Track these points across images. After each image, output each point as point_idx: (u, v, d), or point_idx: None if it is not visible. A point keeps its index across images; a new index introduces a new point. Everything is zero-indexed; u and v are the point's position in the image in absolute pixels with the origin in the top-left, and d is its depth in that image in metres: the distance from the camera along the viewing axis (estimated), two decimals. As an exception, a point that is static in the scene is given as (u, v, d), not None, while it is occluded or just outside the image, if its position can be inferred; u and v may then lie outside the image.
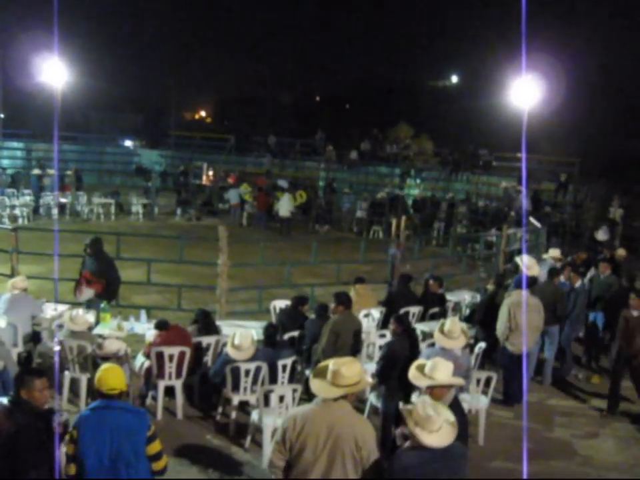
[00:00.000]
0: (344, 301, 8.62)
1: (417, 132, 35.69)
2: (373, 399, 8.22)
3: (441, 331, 7.33)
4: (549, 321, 9.95)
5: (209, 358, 8.89)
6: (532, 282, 10.22)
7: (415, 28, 44.69)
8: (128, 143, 41.92)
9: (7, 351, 6.69)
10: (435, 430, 4.51)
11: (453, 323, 7.37)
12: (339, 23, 46.02)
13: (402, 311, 10.14)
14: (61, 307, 10.42)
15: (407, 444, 4.66)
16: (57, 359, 8.11)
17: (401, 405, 4.88)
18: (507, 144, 28.51)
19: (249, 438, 7.74)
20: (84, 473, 4.74)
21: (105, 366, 4.99)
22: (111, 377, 4.85)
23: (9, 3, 38.96)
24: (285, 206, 23.32)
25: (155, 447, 4.85)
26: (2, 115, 35.02)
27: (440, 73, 49.26)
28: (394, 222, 13.80)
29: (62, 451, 5.00)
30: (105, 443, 4.69)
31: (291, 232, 23.09)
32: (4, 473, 4.77)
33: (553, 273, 10.75)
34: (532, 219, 18.99)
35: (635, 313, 9.06)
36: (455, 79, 50.05)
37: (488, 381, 8.23)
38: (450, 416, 4.68)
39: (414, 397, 5.25)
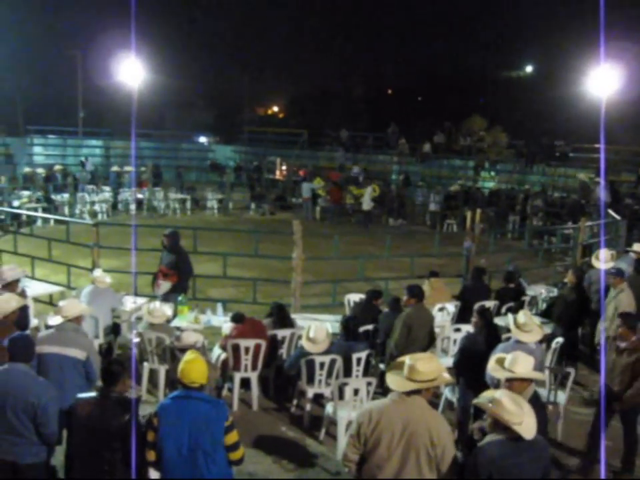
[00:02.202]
0: (416, 293, 8.57)
1: (490, 123, 35.04)
2: (448, 393, 8.17)
3: (516, 324, 7.23)
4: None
5: (284, 350, 8.99)
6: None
7: (487, 16, 43.78)
8: (202, 139, 42.58)
9: (90, 342, 6.88)
10: (518, 423, 4.45)
11: (526, 316, 7.26)
12: (409, 14, 45.51)
13: (477, 305, 10.04)
14: (140, 300, 10.69)
15: (490, 437, 4.61)
16: (134, 350, 8.34)
17: (478, 401, 4.80)
18: (584, 134, 27.79)
19: (323, 430, 7.79)
20: (163, 460, 4.84)
21: (188, 357, 5.04)
22: (194, 369, 4.92)
23: (89, 5, 39.93)
24: (367, 200, 23.51)
25: (232, 437, 4.89)
26: (82, 114, 36.04)
27: (514, 62, 48.30)
28: (468, 215, 13.64)
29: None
30: (183, 432, 4.77)
31: (368, 225, 23.25)
32: (97, 462, 4.92)
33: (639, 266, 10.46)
34: (610, 211, 18.51)
35: None
36: (529, 68, 49.01)
37: (565, 377, 8.07)
38: (528, 406, 4.61)
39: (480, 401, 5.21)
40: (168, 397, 5.05)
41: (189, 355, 5.09)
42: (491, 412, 4.57)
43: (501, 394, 4.65)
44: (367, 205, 23.69)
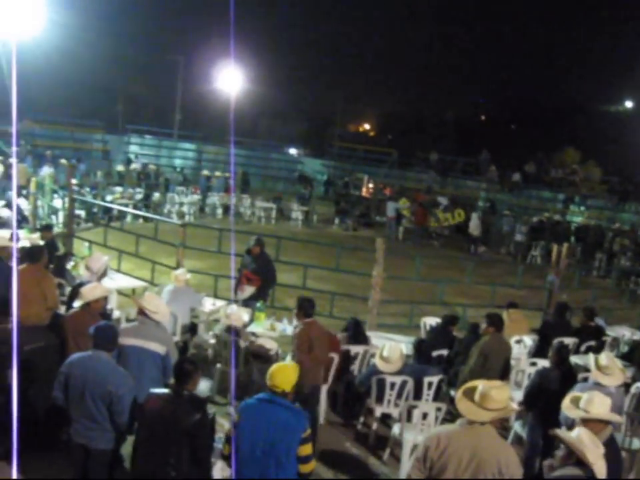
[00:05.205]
0: (495, 322, 8.45)
1: (584, 157, 34.34)
2: (517, 427, 8.01)
3: (597, 365, 7.04)
4: None
5: (356, 367, 8.98)
6: None
7: (587, 49, 42.96)
8: (292, 151, 43.03)
9: (170, 337, 7.04)
10: (593, 462, 4.34)
11: (609, 359, 7.06)
12: (509, 41, 45.06)
13: (556, 341, 9.83)
14: (219, 303, 10.87)
15: (559, 471, 4.51)
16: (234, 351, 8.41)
17: (558, 432, 4.73)
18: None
19: (387, 451, 7.75)
20: (236, 457, 4.88)
21: (282, 364, 5.13)
22: (279, 374, 4.97)
23: (192, 12, 41.10)
24: (475, 224, 23.58)
25: (306, 449, 4.87)
26: (179, 117, 36.97)
27: (613, 97, 47.15)
28: (555, 248, 13.37)
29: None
30: (260, 434, 4.81)
31: (478, 250, 23.43)
32: (163, 456, 5.03)
33: None
34: None
35: None
36: (629, 104, 47.74)
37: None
38: (602, 448, 4.49)
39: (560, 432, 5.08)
40: (254, 397, 5.08)
41: (283, 363, 5.16)
42: (570, 443, 4.46)
43: (580, 430, 4.55)
44: (476, 229, 23.65)
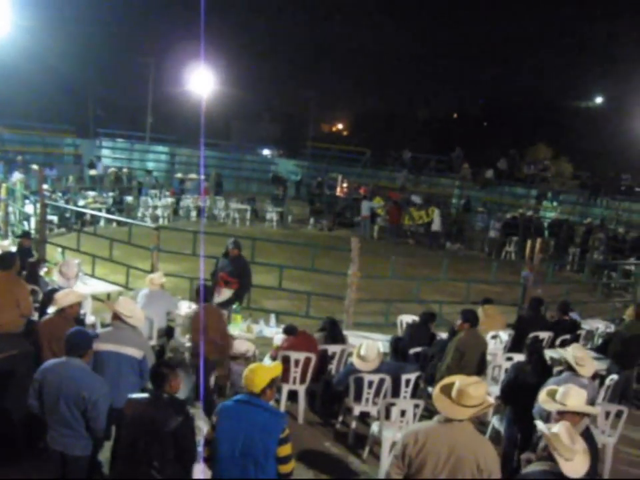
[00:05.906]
0: (470, 318, 8.49)
1: (556, 153, 34.65)
2: (495, 422, 8.06)
3: (572, 357, 7.10)
4: None
5: (333, 366, 8.99)
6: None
7: (558, 45, 43.43)
8: (266, 152, 42.98)
9: (146, 342, 7.00)
10: (567, 458, 4.37)
11: (579, 350, 7.13)
12: (480, 40, 45.36)
13: (531, 335, 9.91)
14: (195, 306, 10.80)
15: (535, 465, 4.54)
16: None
17: (539, 424, 4.75)
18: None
19: (367, 449, 7.77)
20: (216, 459, 4.89)
21: (256, 365, 5.12)
22: (248, 376, 4.96)
23: (162, 14, 40.97)
24: (437, 221, 23.93)
25: (285, 449, 4.86)
26: (151, 120, 36.76)
27: (584, 93, 47.59)
28: (528, 244, 13.47)
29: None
30: (239, 435, 4.79)
31: (441, 246, 23.85)
32: (146, 460, 5.00)
33: None
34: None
35: None
36: (599, 99, 48.24)
37: (618, 415, 7.88)
38: (583, 445, 4.52)
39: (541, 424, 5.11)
40: (232, 398, 5.07)
41: (256, 364, 5.15)
42: (545, 436, 4.50)
43: (561, 425, 4.57)
44: (437, 225, 23.90)
